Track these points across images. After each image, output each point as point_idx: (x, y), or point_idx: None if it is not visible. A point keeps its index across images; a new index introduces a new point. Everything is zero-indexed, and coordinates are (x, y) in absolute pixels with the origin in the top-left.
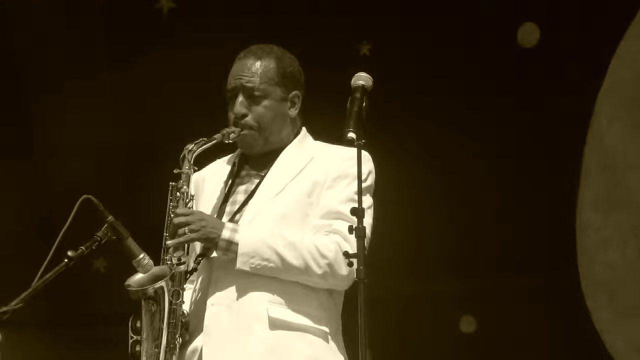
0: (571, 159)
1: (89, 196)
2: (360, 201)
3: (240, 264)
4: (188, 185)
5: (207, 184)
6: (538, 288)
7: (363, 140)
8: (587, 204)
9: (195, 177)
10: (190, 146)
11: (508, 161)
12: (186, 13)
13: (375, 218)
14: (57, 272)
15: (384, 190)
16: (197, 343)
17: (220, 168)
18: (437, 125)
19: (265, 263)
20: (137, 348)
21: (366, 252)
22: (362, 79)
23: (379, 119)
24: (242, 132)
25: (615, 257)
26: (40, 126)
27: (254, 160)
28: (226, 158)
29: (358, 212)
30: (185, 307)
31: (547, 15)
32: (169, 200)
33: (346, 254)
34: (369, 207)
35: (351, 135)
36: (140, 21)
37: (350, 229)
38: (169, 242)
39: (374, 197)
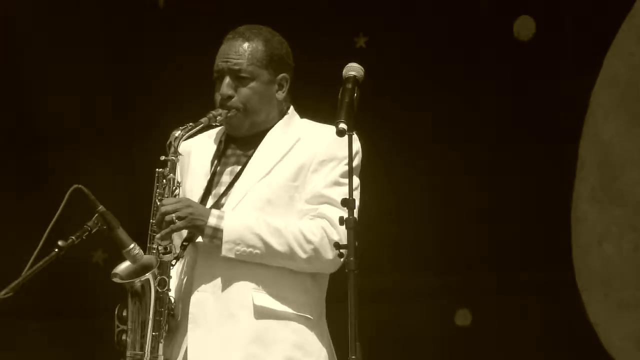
0: (568, 153)
1: (80, 186)
2: (351, 192)
3: (225, 251)
4: (174, 172)
5: (192, 159)
6: (533, 282)
7: (354, 131)
8: (582, 198)
9: (181, 149)
10: (176, 132)
11: (504, 155)
12: (182, 4)
13: (362, 199)
14: (47, 262)
15: (381, 184)
16: (184, 331)
17: (206, 144)
18: (435, 120)
19: (250, 250)
20: (124, 337)
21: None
22: (353, 69)
23: (372, 112)
24: (228, 114)
25: (611, 251)
26: (34, 116)
27: (241, 140)
28: (213, 133)
29: (348, 203)
30: (171, 293)
31: (544, 8)
32: (155, 187)
33: (337, 245)
34: (355, 188)
35: (342, 126)
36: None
37: (341, 220)
38: (157, 235)
39: (364, 182)
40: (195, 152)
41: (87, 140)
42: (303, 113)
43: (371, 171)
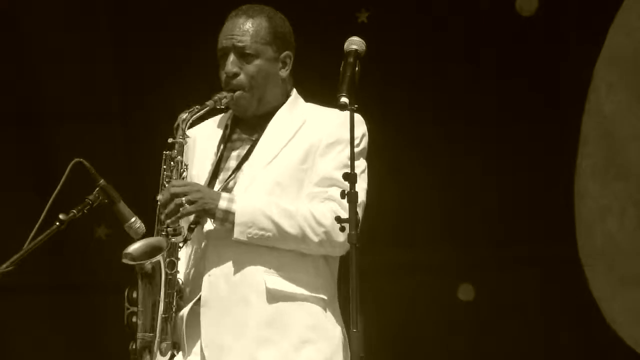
0: (571, 127)
1: (81, 159)
2: (352, 166)
3: (237, 233)
4: (182, 155)
5: (198, 145)
6: (537, 257)
7: (356, 105)
8: (585, 173)
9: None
10: (183, 115)
11: (506, 129)
12: None
13: (369, 182)
14: (48, 235)
15: (381, 159)
16: (184, 312)
17: (211, 129)
18: (435, 92)
19: (262, 232)
20: (134, 319)
21: (360, 217)
22: (355, 43)
23: (374, 86)
24: (234, 95)
25: (614, 226)
26: (39, 93)
27: (246, 123)
28: (217, 118)
29: (350, 177)
30: (180, 276)
31: None
32: (162, 170)
33: (338, 219)
34: (362, 171)
35: (344, 100)
36: None
37: (343, 194)
38: (168, 220)
39: (367, 159)
40: (200, 139)
41: (89, 118)
42: (304, 90)
43: (373, 145)
